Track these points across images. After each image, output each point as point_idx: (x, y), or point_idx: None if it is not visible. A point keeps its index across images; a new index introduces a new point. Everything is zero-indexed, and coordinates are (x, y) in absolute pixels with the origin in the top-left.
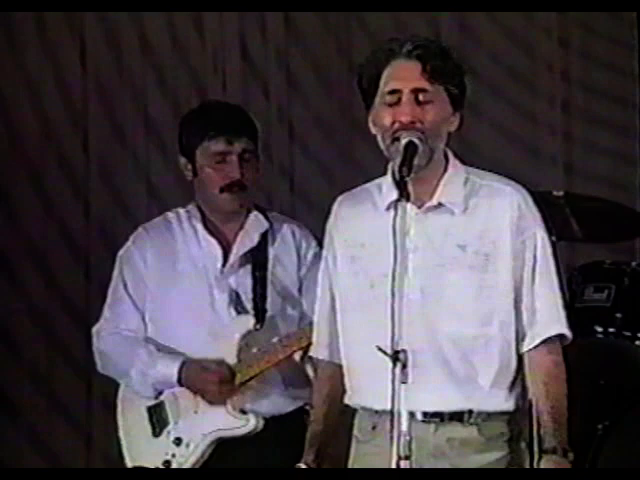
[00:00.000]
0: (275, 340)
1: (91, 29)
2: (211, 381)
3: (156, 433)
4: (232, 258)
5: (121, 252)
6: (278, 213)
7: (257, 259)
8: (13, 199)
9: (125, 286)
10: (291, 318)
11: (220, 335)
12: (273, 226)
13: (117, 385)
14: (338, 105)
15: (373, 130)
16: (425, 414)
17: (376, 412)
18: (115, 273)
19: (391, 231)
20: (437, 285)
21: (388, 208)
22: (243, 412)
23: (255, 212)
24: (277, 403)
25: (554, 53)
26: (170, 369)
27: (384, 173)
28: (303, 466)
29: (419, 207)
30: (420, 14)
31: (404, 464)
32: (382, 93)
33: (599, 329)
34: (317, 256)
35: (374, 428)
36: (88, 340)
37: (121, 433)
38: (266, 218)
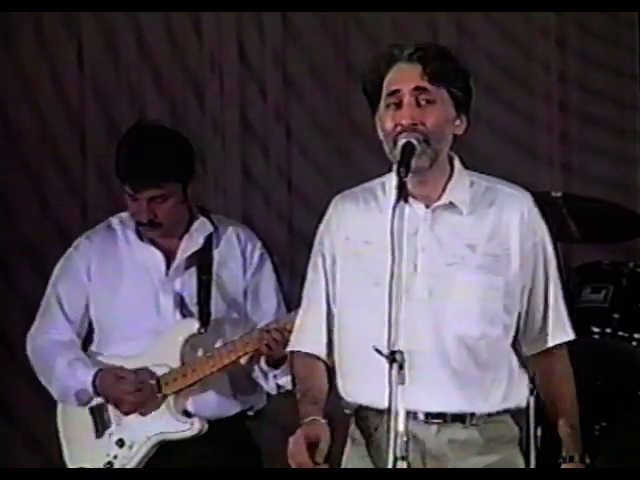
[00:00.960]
0: (220, 344)
1: (88, 29)
2: (126, 391)
3: (98, 434)
4: (177, 261)
5: (61, 261)
6: (223, 216)
7: (202, 262)
8: (10, 199)
9: (58, 298)
10: (236, 321)
11: (164, 338)
12: (218, 229)
13: None
14: (335, 105)
15: (380, 136)
16: (427, 415)
17: (376, 412)
18: (51, 282)
19: (389, 232)
20: (445, 284)
21: (394, 208)
22: (187, 415)
23: (201, 218)
24: (222, 406)
25: (551, 53)
26: (85, 377)
27: (382, 173)
28: (308, 419)
29: (427, 206)
30: (417, 15)
31: (401, 465)
32: (384, 96)
33: (596, 330)
34: (262, 258)
35: (374, 429)
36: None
37: (61, 434)
38: (211, 221)
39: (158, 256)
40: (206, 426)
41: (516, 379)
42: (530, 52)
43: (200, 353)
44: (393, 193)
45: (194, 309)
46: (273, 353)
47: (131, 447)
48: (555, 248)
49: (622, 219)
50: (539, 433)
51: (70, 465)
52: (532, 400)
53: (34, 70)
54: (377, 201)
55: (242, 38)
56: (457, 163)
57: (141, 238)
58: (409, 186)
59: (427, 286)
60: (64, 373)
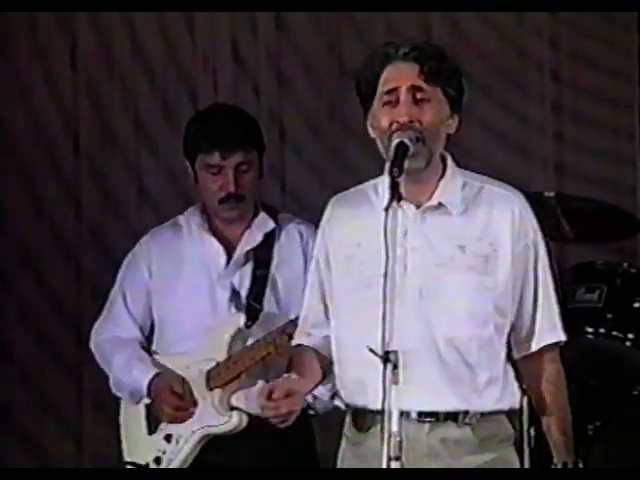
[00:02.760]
0: (261, 337)
1: (82, 30)
2: (171, 404)
3: (151, 430)
4: (235, 256)
5: (128, 257)
6: (289, 214)
7: (260, 258)
8: (3, 201)
9: (124, 295)
10: (288, 318)
11: (214, 333)
12: (280, 226)
13: (107, 386)
14: (329, 105)
15: (372, 134)
16: (420, 414)
17: (370, 412)
18: (118, 278)
19: (382, 232)
20: (435, 285)
21: (386, 209)
22: (232, 409)
23: (262, 214)
24: None
25: (545, 54)
26: (141, 378)
27: (375, 173)
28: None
29: (417, 207)
30: (411, 14)
31: (395, 465)
32: (380, 94)
33: (590, 330)
34: None
35: (366, 429)
36: (79, 341)
37: (122, 429)
38: (274, 219)
39: (219, 249)
40: (245, 420)
41: (511, 380)
42: (524, 52)
43: (243, 347)
44: (386, 194)
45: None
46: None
47: (177, 442)
48: (548, 248)
49: (616, 219)
50: (532, 433)
51: (127, 458)
52: (525, 400)
53: (27, 70)
54: (369, 203)
55: (236, 38)
56: (450, 162)
57: (206, 229)
58: (401, 186)
59: (417, 287)
60: (121, 369)
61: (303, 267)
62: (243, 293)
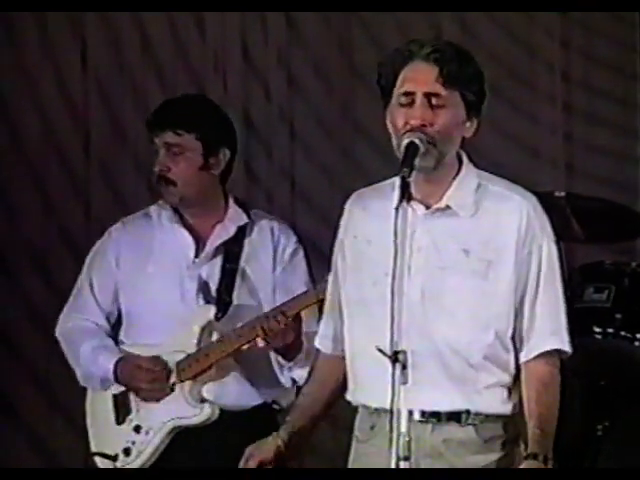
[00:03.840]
0: (232, 330)
1: (92, 29)
2: (144, 379)
3: (119, 421)
4: (206, 249)
5: (96, 246)
6: (261, 211)
7: (230, 251)
8: (13, 199)
9: (90, 283)
10: (259, 311)
11: (183, 325)
12: (253, 221)
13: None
14: (339, 105)
15: (390, 129)
16: (423, 413)
17: (375, 410)
18: (85, 265)
19: (392, 231)
20: (437, 287)
21: (396, 208)
22: (202, 401)
23: (235, 207)
24: (238, 395)
25: (555, 53)
26: (107, 365)
27: (385, 173)
28: (279, 441)
29: (427, 208)
30: (421, 14)
31: (404, 465)
32: (397, 94)
33: (598, 329)
34: (295, 254)
35: (372, 428)
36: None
37: (88, 420)
38: (247, 214)
39: (189, 240)
40: (216, 414)
41: (513, 382)
42: (534, 52)
43: (214, 339)
44: (396, 193)
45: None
46: (272, 340)
47: (147, 433)
48: (559, 252)
49: (625, 219)
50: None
51: (93, 449)
52: None
53: (38, 70)
54: (384, 202)
55: (246, 38)
56: (466, 163)
57: (176, 220)
58: (414, 185)
59: (420, 287)
60: (88, 358)
61: (272, 262)
62: (212, 286)
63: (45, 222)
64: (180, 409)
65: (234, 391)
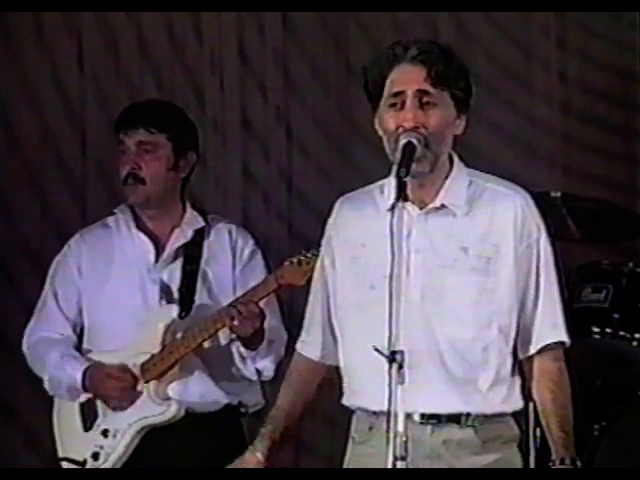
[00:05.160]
0: (195, 326)
1: (88, 29)
2: (113, 387)
3: (87, 427)
4: (166, 252)
5: (57, 257)
6: (218, 216)
7: (189, 254)
8: (10, 200)
9: (55, 294)
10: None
11: (146, 327)
12: (210, 224)
13: None
14: (336, 105)
15: (379, 132)
16: (422, 416)
17: (373, 413)
18: (48, 277)
19: (388, 233)
20: (437, 286)
21: (390, 209)
22: (167, 399)
23: (191, 211)
24: (203, 393)
25: (552, 53)
26: (75, 373)
27: (382, 174)
28: (250, 448)
29: (421, 208)
30: (418, 14)
31: (400, 465)
32: (387, 96)
33: (596, 329)
34: (253, 254)
35: (370, 429)
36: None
37: (55, 427)
38: (204, 218)
39: (148, 245)
40: (183, 411)
41: (518, 382)
42: (530, 52)
43: (178, 337)
44: (392, 194)
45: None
46: (240, 327)
47: (115, 436)
48: (554, 248)
49: (621, 219)
50: (538, 433)
51: (60, 454)
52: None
53: (34, 71)
54: (375, 204)
55: (242, 38)
56: (456, 162)
57: (135, 225)
58: (407, 188)
59: (419, 288)
60: (56, 368)
61: (231, 263)
62: (174, 288)
63: (42, 223)
64: (146, 408)
65: (198, 390)
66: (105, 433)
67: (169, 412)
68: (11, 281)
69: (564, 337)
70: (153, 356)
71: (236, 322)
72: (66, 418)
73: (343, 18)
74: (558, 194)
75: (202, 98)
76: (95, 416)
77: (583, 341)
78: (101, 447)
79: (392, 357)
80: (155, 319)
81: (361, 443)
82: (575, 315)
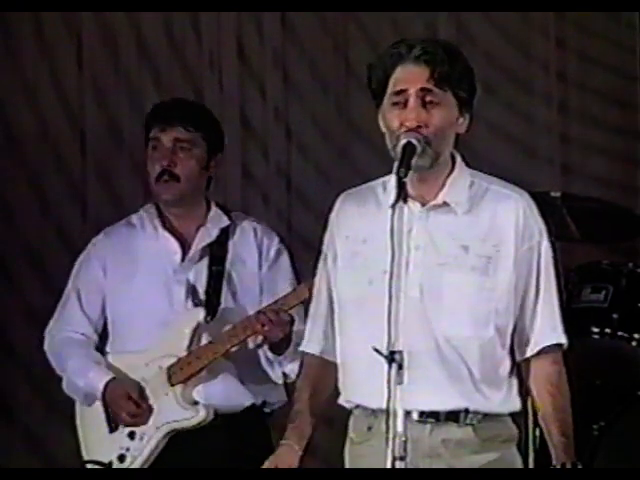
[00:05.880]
0: (223, 331)
1: (88, 29)
2: (127, 410)
3: (112, 429)
4: (191, 252)
5: (81, 257)
6: (241, 212)
7: (215, 254)
8: (10, 200)
9: (78, 294)
10: (245, 313)
11: (172, 329)
12: (235, 223)
13: None
14: (335, 105)
15: (383, 129)
16: (421, 414)
17: (372, 412)
18: (71, 277)
19: (387, 230)
20: (436, 284)
21: (391, 207)
22: (195, 403)
23: (215, 209)
24: (231, 396)
25: (550, 53)
26: (97, 384)
27: (382, 173)
28: (285, 442)
29: (423, 205)
30: (417, 14)
31: (399, 465)
32: (390, 94)
33: (596, 329)
34: (279, 253)
35: (369, 429)
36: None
37: (79, 431)
38: (228, 216)
39: (174, 245)
40: (212, 414)
41: (515, 383)
42: (529, 52)
43: (205, 341)
44: (393, 192)
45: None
46: (270, 334)
47: (142, 438)
48: (554, 250)
49: (621, 219)
50: (537, 434)
51: (86, 457)
52: (530, 401)
53: (34, 71)
54: (377, 200)
55: (242, 38)
56: (459, 161)
57: (161, 224)
58: (409, 184)
59: (418, 285)
60: (76, 372)
61: (257, 263)
62: (200, 289)
63: (42, 223)
64: (173, 412)
65: (224, 391)
66: (132, 435)
67: (198, 417)
68: (11, 281)
69: (562, 339)
70: (180, 360)
71: (267, 329)
72: (91, 419)
73: (342, 18)
74: (558, 194)
75: (201, 98)
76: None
77: (582, 341)
78: (127, 449)
79: (391, 357)
80: (181, 322)
81: (360, 443)
82: (574, 315)
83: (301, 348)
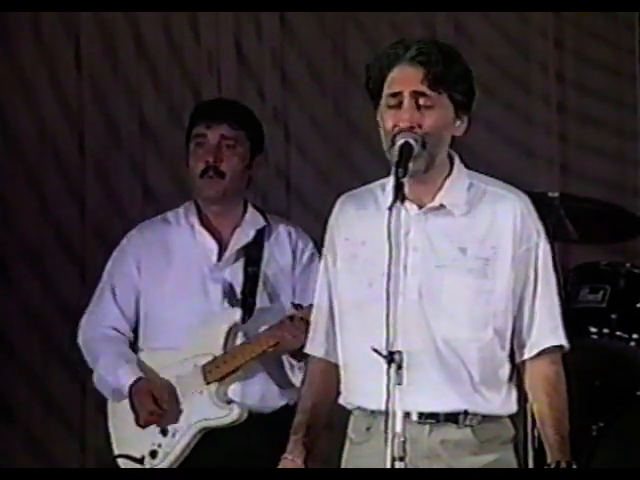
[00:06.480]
0: (259, 332)
1: (86, 30)
2: (147, 410)
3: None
4: (228, 252)
5: (115, 252)
6: (274, 215)
7: (251, 255)
8: (9, 201)
9: (113, 290)
10: (280, 314)
11: (209, 328)
12: (270, 225)
13: None
14: (333, 105)
15: (381, 131)
16: (420, 415)
17: (371, 412)
18: (106, 271)
19: (386, 232)
20: (435, 286)
21: (389, 209)
22: (229, 402)
23: (252, 210)
24: (265, 396)
25: (549, 54)
26: (125, 381)
27: (380, 174)
28: (288, 456)
29: (420, 208)
30: (415, 14)
31: (399, 466)
32: (386, 95)
33: (594, 330)
34: (313, 257)
35: (368, 429)
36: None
37: (110, 424)
38: (264, 217)
39: (211, 243)
40: (245, 414)
41: (510, 382)
42: (528, 53)
43: (240, 341)
44: (391, 194)
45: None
46: (293, 342)
47: (174, 435)
48: (552, 251)
49: (619, 220)
50: (537, 434)
51: (117, 452)
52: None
53: (32, 71)
54: (376, 202)
55: (240, 38)
56: (457, 163)
57: (199, 222)
58: (406, 187)
59: (417, 287)
60: (106, 369)
61: (291, 265)
62: (237, 288)
63: (40, 222)
64: (208, 410)
65: (259, 391)
66: (164, 431)
67: (232, 416)
68: (9, 281)
69: (562, 341)
70: (216, 358)
71: (290, 336)
72: (123, 414)
73: (341, 19)
74: (556, 194)
75: (199, 98)
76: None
77: (581, 342)
78: (159, 445)
79: (390, 357)
80: (219, 321)
81: (359, 444)
82: (573, 316)
83: (305, 350)
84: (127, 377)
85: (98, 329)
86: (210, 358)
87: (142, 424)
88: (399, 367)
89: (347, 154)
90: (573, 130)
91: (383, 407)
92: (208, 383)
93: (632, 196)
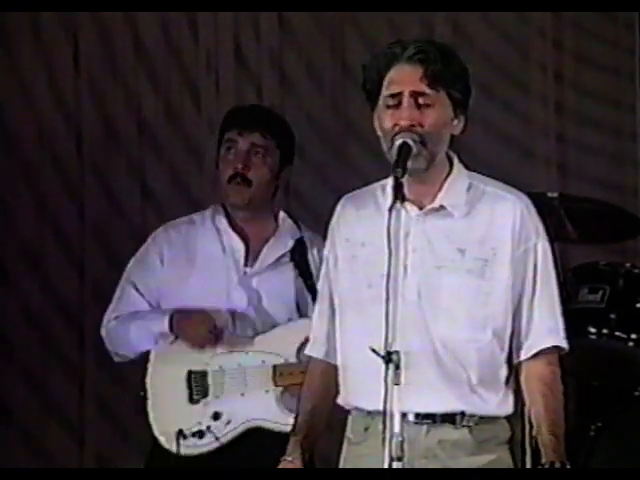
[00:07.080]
0: None
1: (84, 30)
2: (202, 323)
3: (193, 400)
4: (261, 258)
5: (138, 253)
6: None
7: (298, 265)
8: (7, 201)
9: (135, 286)
10: None
11: (284, 329)
12: (304, 234)
13: (109, 387)
14: (332, 106)
15: (378, 132)
16: (417, 415)
17: (369, 413)
18: (125, 272)
19: (385, 233)
20: (434, 287)
21: (389, 209)
22: (290, 410)
23: (286, 218)
24: None
25: (548, 54)
26: (163, 317)
27: (378, 174)
28: (288, 458)
29: (420, 209)
30: (413, 14)
31: (396, 466)
32: (384, 96)
33: (593, 330)
34: None
35: (366, 430)
36: (81, 342)
37: (149, 394)
38: (297, 226)
39: (238, 244)
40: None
41: (512, 385)
42: (526, 53)
43: None
44: (390, 194)
45: (271, 309)
46: None
47: (228, 423)
48: (553, 251)
49: (618, 220)
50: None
51: (155, 427)
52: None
53: (30, 71)
54: (376, 203)
55: (238, 38)
56: (456, 163)
57: (230, 223)
58: (405, 187)
59: (416, 288)
60: (142, 324)
61: None
62: (264, 296)
63: (39, 223)
64: (269, 412)
65: None
66: (217, 416)
67: (290, 425)
68: (8, 281)
69: (560, 342)
70: (289, 364)
71: None
72: (167, 387)
73: (339, 19)
74: (555, 195)
75: (198, 99)
76: (205, 392)
77: (580, 342)
78: (208, 427)
79: (388, 357)
80: (296, 326)
81: (357, 444)
82: (572, 316)
83: (306, 352)
84: (164, 314)
85: (123, 314)
86: (282, 361)
87: (201, 345)
88: (397, 367)
89: (345, 154)
90: (571, 130)
91: (381, 407)
92: (277, 385)
93: (632, 196)
